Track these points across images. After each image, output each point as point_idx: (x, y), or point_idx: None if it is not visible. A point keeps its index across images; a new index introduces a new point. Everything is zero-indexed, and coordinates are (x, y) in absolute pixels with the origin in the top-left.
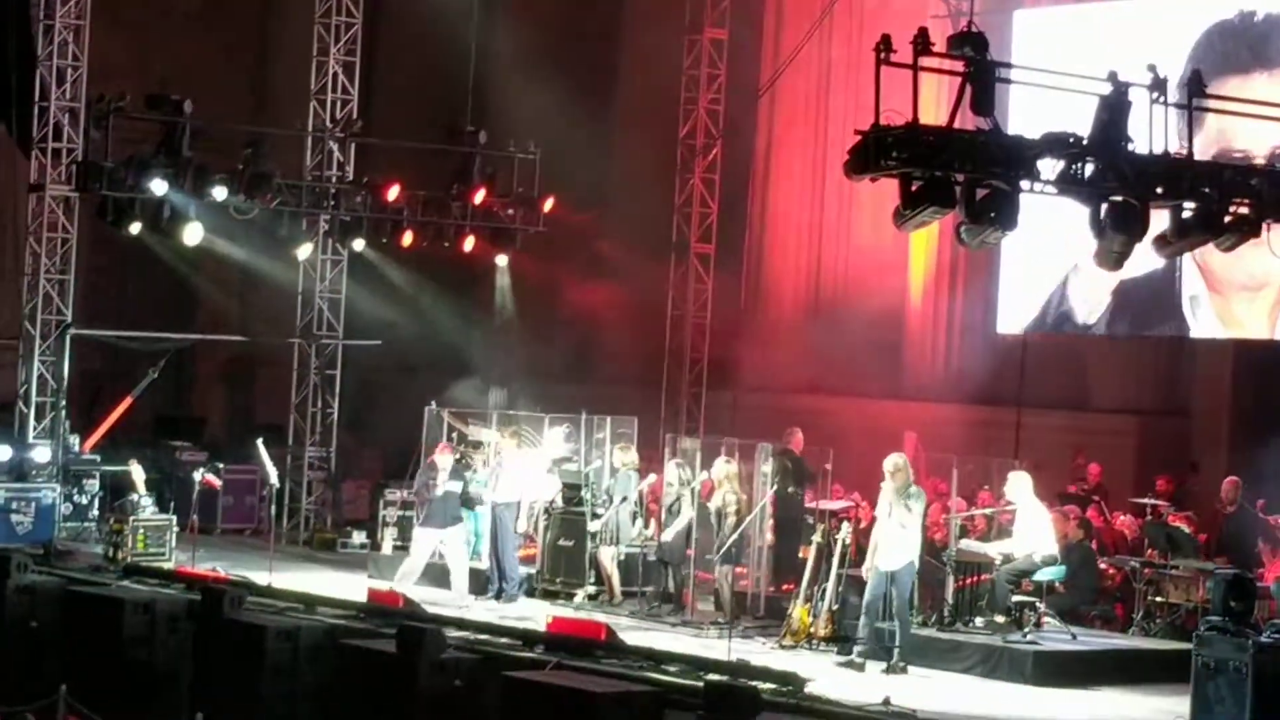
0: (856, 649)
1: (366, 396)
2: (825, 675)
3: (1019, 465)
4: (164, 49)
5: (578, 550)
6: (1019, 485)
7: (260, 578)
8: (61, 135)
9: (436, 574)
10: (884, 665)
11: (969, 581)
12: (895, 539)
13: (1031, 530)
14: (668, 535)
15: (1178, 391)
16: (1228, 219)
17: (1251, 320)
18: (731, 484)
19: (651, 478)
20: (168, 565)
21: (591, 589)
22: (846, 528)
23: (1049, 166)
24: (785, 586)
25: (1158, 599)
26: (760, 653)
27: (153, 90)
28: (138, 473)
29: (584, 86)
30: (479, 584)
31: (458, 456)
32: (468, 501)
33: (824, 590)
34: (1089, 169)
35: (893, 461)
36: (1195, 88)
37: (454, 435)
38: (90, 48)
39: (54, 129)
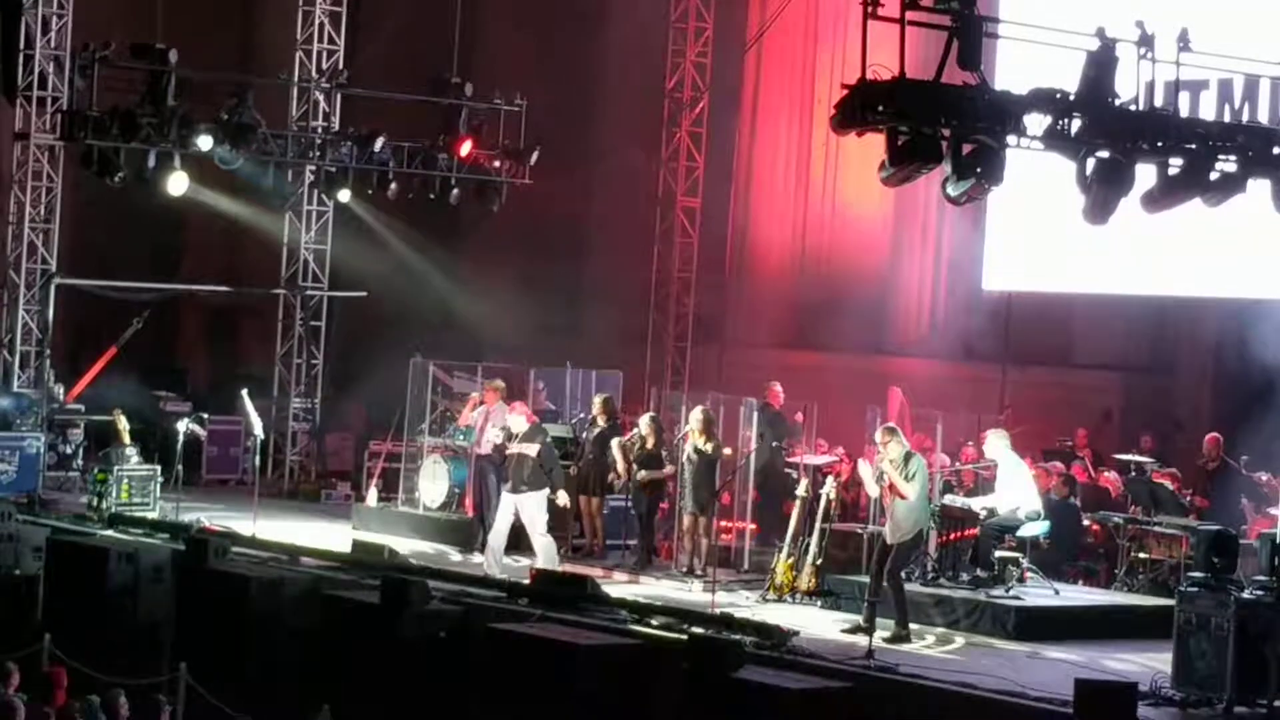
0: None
1: (351, 348)
2: (808, 629)
3: (1001, 422)
4: None
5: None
6: (996, 443)
7: (244, 528)
8: (47, 84)
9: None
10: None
11: (953, 537)
12: (896, 511)
13: (1012, 486)
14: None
15: (1162, 349)
16: (1214, 175)
17: None
18: (696, 434)
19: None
20: (152, 515)
21: (576, 541)
22: (831, 482)
23: (1036, 122)
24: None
25: (1141, 555)
26: (744, 606)
27: (138, 39)
28: (122, 423)
29: (570, 39)
30: (460, 538)
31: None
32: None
33: (807, 545)
34: (1075, 124)
35: (885, 431)
36: (1182, 44)
37: (439, 389)
38: None
39: (39, 78)
